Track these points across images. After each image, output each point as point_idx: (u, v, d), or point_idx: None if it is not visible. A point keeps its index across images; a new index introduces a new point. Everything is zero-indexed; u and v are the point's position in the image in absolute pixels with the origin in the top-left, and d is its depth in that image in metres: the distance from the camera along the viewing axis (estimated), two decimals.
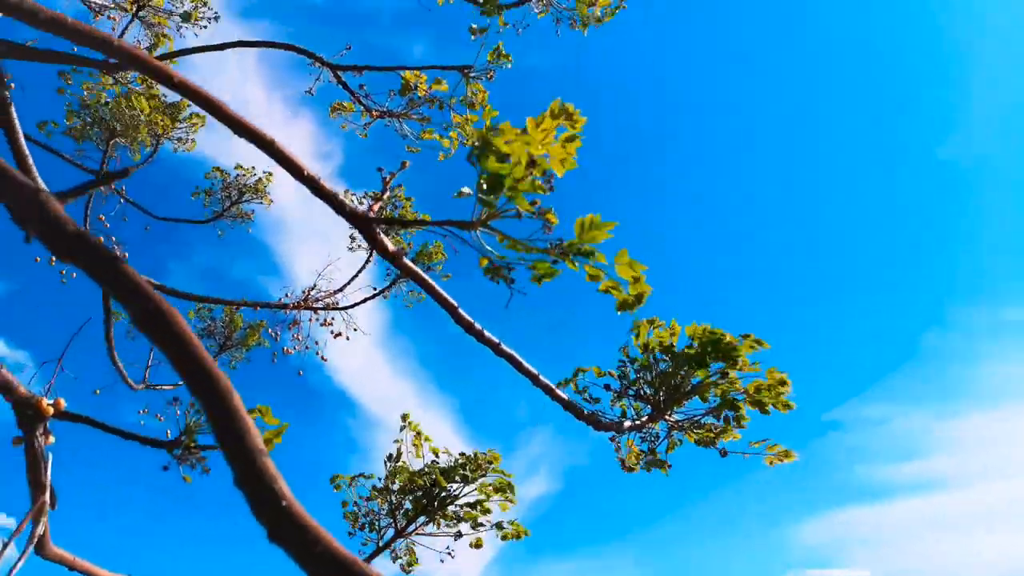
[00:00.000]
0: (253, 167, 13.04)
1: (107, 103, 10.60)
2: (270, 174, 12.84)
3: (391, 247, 4.38)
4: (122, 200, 12.16)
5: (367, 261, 13.88)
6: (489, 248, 4.00)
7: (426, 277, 4.64)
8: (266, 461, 1.52)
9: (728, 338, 4.61)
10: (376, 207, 4.54)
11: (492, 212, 3.77)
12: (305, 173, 4.00)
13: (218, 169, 12.64)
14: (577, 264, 3.55)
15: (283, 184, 13.29)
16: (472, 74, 7.64)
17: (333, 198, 4.13)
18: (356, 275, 13.51)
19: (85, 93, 10.15)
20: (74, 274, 11.67)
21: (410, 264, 4.48)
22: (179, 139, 11.91)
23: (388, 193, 4.73)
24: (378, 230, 4.31)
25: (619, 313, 3.27)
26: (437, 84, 7.91)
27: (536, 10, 7.21)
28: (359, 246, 14.31)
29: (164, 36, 9.66)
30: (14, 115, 6.68)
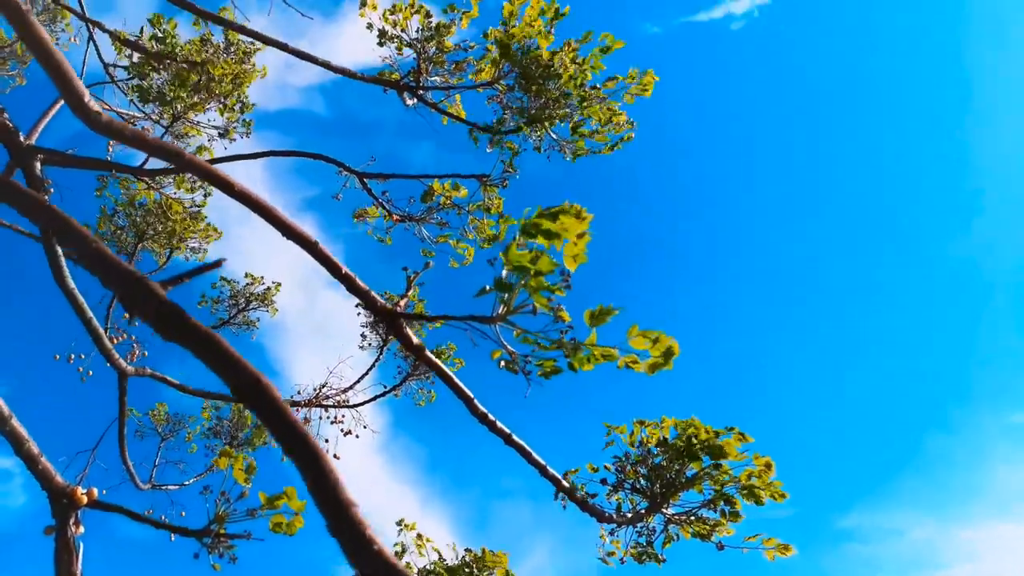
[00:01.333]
0: (262, 276, 13.66)
1: (141, 205, 11.31)
2: (278, 284, 13.44)
3: (415, 341, 4.76)
4: None
5: (378, 358, 14.24)
6: (506, 343, 4.37)
7: (446, 369, 4.99)
8: (356, 511, 1.82)
9: (713, 432, 4.88)
10: (402, 303, 4.95)
11: (510, 308, 4.16)
12: (343, 272, 4.44)
13: (225, 279, 13.21)
14: (589, 360, 3.87)
15: (283, 290, 13.83)
16: (488, 182, 8.24)
17: (366, 295, 4.54)
18: (367, 372, 13.83)
19: (122, 194, 10.86)
20: (91, 372, 12.05)
21: (431, 356, 4.84)
22: (193, 248, 12.58)
23: (412, 291, 5.13)
24: (404, 324, 4.70)
25: (651, 375, 3.49)
26: (456, 191, 8.51)
27: (533, 142, 7.87)
28: (370, 344, 14.71)
29: (205, 148, 10.43)
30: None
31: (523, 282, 4.12)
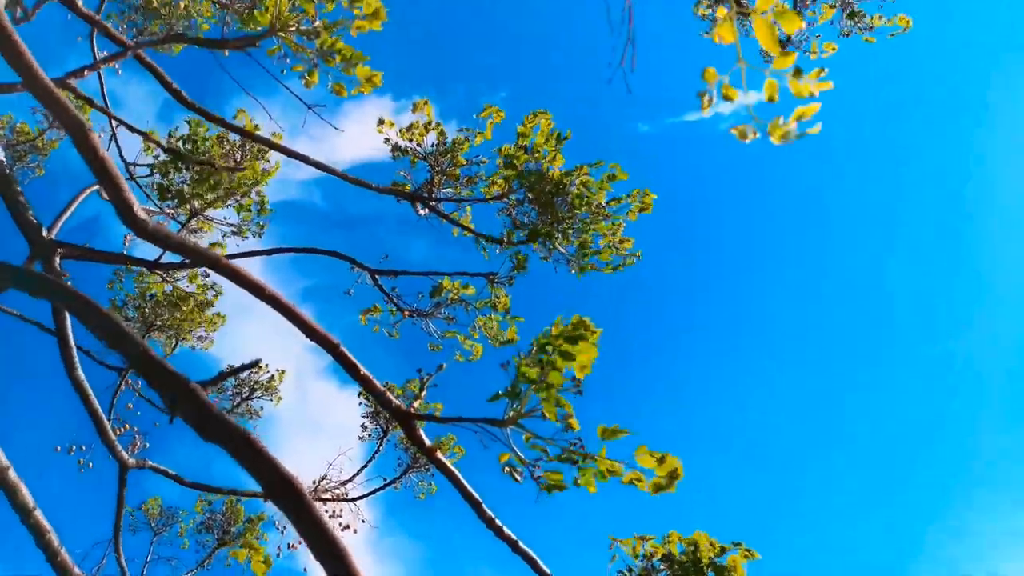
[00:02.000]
0: (267, 364, 13.82)
1: (151, 298, 11.60)
2: (283, 372, 13.57)
3: (428, 442, 4.88)
4: (137, 394, 12.82)
5: (377, 450, 14.19)
6: (516, 448, 4.50)
7: (456, 472, 5.10)
8: None
9: (719, 547, 4.94)
10: (416, 404, 5.11)
11: (521, 412, 4.32)
12: (361, 372, 4.62)
13: (230, 367, 13.34)
14: (595, 477, 3.98)
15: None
16: (496, 281, 8.52)
17: (382, 396, 4.71)
18: (367, 464, 13.77)
19: (136, 287, 11.16)
20: (91, 463, 12.03)
21: (443, 459, 4.96)
22: (200, 337, 12.81)
23: (425, 391, 5.29)
24: (418, 426, 4.84)
25: (654, 495, 3.63)
26: (465, 288, 8.79)
27: (540, 254, 8.23)
28: (369, 436, 14.68)
29: (219, 245, 10.79)
30: (67, 318, 7.48)
31: (534, 388, 4.29)
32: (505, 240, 8.07)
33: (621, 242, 7.87)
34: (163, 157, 10.81)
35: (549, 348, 4.10)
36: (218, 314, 12.86)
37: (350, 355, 4.41)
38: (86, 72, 6.38)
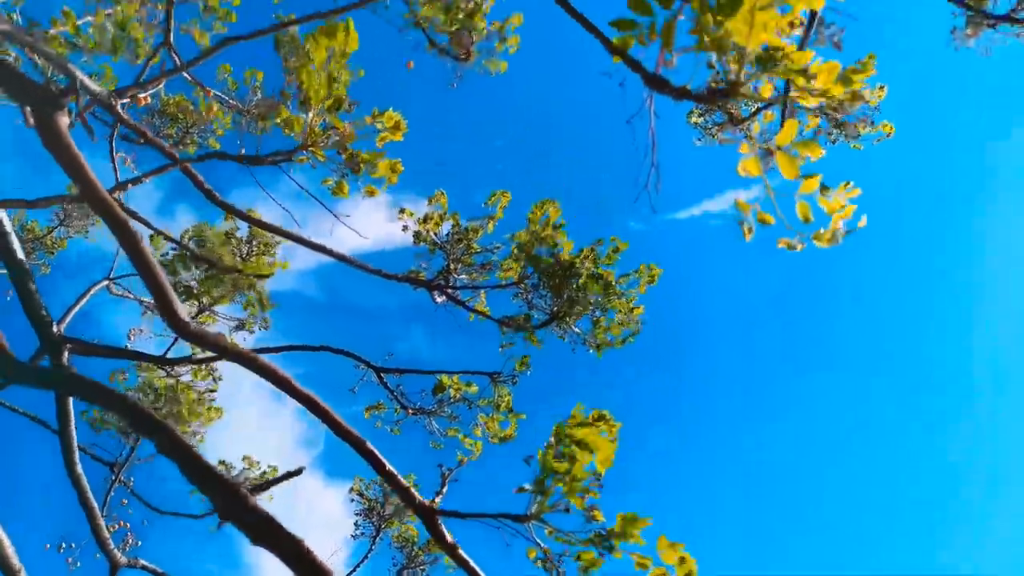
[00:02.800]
0: (258, 461, 13.72)
1: (153, 390, 11.60)
2: (274, 468, 13.47)
3: (450, 539, 4.92)
4: (129, 491, 12.64)
5: (371, 549, 13.91)
6: (540, 541, 4.57)
7: (477, 569, 5.10)
8: None
9: None
10: (437, 500, 5.16)
11: (544, 507, 4.41)
12: (387, 468, 4.71)
13: (223, 463, 13.26)
14: (622, 553, 4.09)
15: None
16: (499, 380, 8.69)
17: (406, 491, 4.78)
18: (361, 562, 13.45)
19: (140, 380, 11.20)
20: (78, 563, 11.77)
21: (464, 555, 4.99)
22: (193, 432, 12.75)
23: (446, 487, 5.36)
24: (440, 521, 4.89)
25: None
26: (467, 386, 8.93)
27: (557, 333, 8.48)
28: (362, 533, 14.41)
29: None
30: (71, 416, 7.54)
31: (558, 481, 4.40)
32: (522, 324, 8.31)
33: (632, 310, 8.20)
34: (171, 252, 11.09)
35: (567, 440, 4.25)
36: (215, 408, 12.85)
37: (377, 452, 4.52)
38: (130, 185, 6.70)
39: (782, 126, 9.96)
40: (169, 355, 10.40)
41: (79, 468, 8.79)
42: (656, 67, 3.20)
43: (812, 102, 2.51)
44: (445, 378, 8.89)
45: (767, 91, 2.85)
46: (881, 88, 11.28)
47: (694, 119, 11.92)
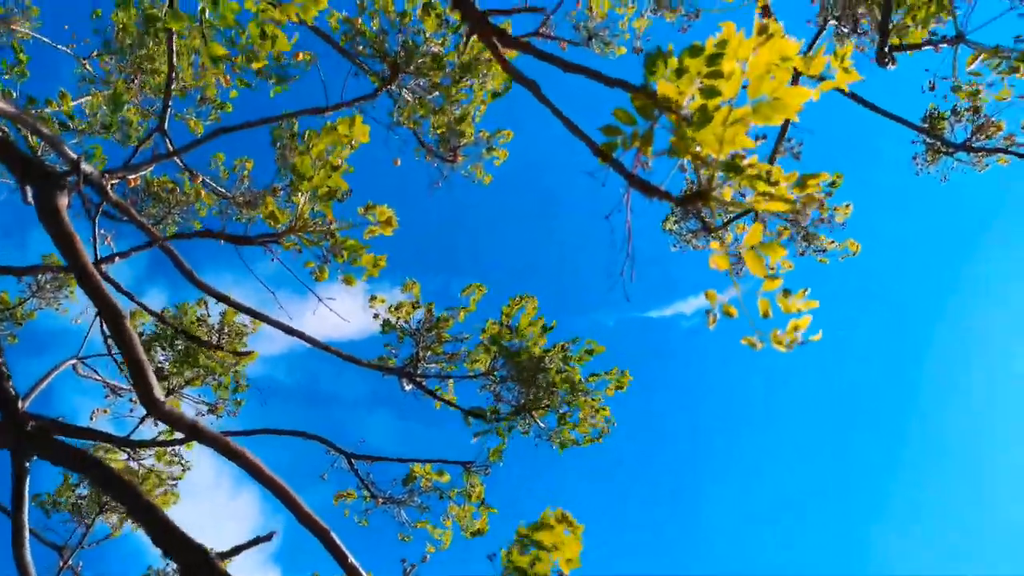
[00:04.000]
0: (213, 548, 13.20)
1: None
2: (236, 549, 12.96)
3: None
4: (75, 575, 12.06)
5: None
6: None
7: None
8: None
9: None
10: None
11: None
12: (348, 561, 4.61)
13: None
14: None
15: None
16: (472, 469, 8.58)
17: None
18: None
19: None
20: None
21: None
22: None
23: None
24: None
25: None
26: (439, 475, 8.79)
27: (521, 428, 8.48)
28: None
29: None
30: (25, 489, 7.31)
31: None
32: (488, 415, 8.29)
33: (598, 411, 8.19)
34: (147, 332, 11.01)
35: (529, 542, 4.24)
36: (172, 493, 12.47)
37: (340, 543, 4.44)
38: (117, 259, 6.77)
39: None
40: (133, 438, 10.16)
41: (27, 552, 8.42)
42: (633, 168, 3.42)
43: (774, 207, 2.71)
44: (417, 467, 8.77)
45: (727, 194, 3.05)
46: (847, 206, 11.83)
47: (669, 226, 12.35)
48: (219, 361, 10.27)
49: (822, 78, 3.41)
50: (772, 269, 10.14)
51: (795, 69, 2.98)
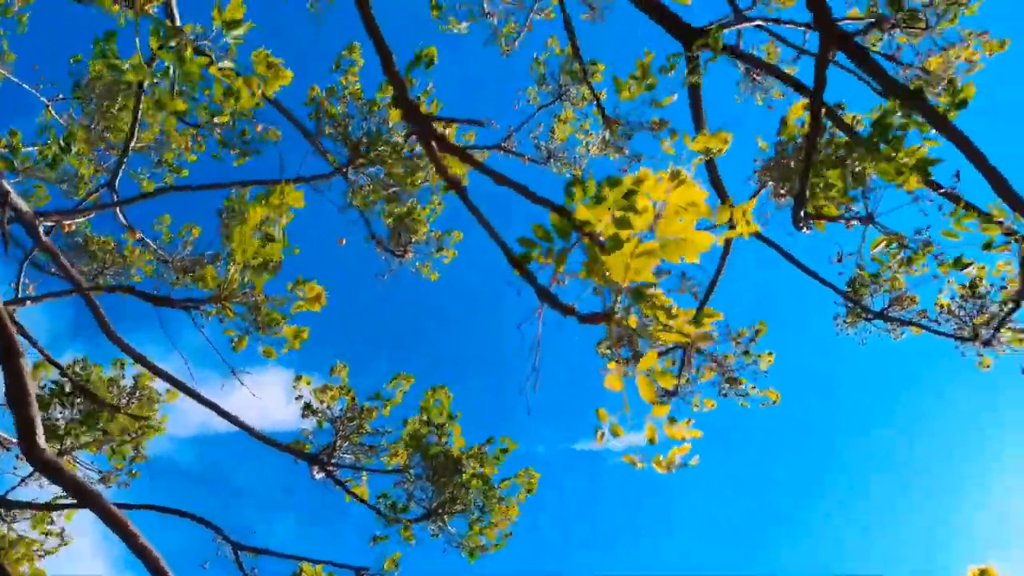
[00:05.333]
0: None
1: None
2: None
3: None
4: None
5: None
6: None
7: None
8: None
9: None
10: None
11: None
12: None
13: None
14: None
15: None
16: None
17: None
18: None
19: None
20: None
21: None
22: None
23: None
24: None
25: None
26: None
27: (431, 530, 8.25)
28: None
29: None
30: None
31: None
32: (396, 517, 8.03)
33: (508, 509, 8.02)
34: (49, 386, 10.50)
35: None
36: (40, 570, 11.54)
37: None
38: (28, 302, 6.57)
39: (682, 368, 10.57)
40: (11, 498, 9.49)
41: None
42: (550, 284, 3.58)
43: (671, 338, 2.86)
44: (307, 566, 8.34)
45: (633, 321, 3.20)
46: (770, 354, 12.32)
47: (602, 350, 12.61)
48: (122, 428, 9.79)
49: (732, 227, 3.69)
50: (697, 407, 10.26)
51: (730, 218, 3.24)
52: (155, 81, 4.36)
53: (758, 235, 8.85)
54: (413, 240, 11.72)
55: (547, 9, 10.06)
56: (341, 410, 8.41)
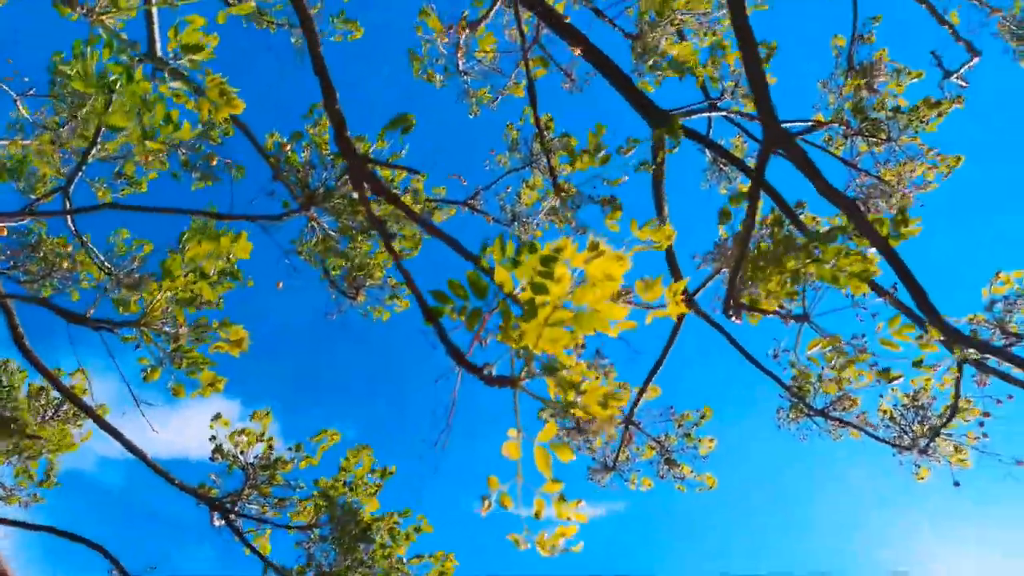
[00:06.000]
0: None
1: None
2: None
3: None
4: None
5: None
6: None
7: None
8: None
9: None
10: None
11: None
12: None
13: None
14: None
15: None
16: None
17: None
18: None
19: None
20: None
21: None
22: None
23: None
24: None
25: None
26: None
27: None
28: None
29: None
30: None
31: None
32: None
33: None
34: None
35: None
36: None
37: None
38: None
39: (622, 444, 10.38)
40: None
41: None
42: (471, 345, 3.50)
43: (579, 412, 2.78)
44: None
45: (571, 394, 3.11)
46: (711, 440, 12.27)
47: (545, 415, 12.46)
48: (21, 444, 9.31)
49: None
50: (634, 485, 9.98)
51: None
52: (106, 93, 4.28)
53: (706, 319, 8.88)
54: (368, 284, 11.57)
55: (520, 84, 10.22)
56: (256, 457, 8.02)
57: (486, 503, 2.65)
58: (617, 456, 12.25)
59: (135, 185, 11.19)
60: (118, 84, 4.04)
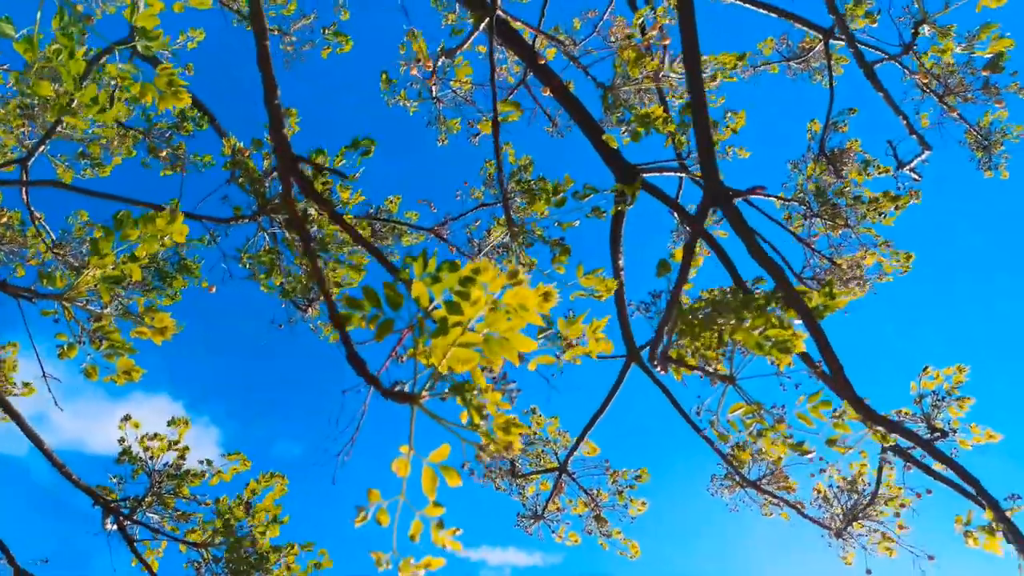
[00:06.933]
0: None
1: None
2: None
3: None
4: None
5: None
6: None
7: None
8: None
9: None
10: None
11: None
12: None
13: None
14: None
15: None
16: None
17: None
18: None
19: None
20: None
21: None
22: None
23: None
24: None
25: None
26: None
27: None
28: None
29: None
30: None
31: None
32: None
33: None
34: None
35: None
36: None
37: None
38: None
39: (553, 492, 10.22)
40: None
41: None
42: (386, 360, 3.44)
43: (486, 441, 2.73)
44: None
45: (476, 417, 3.05)
46: (644, 503, 12.13)
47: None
48: None
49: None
50: (560, 538, 9.76)
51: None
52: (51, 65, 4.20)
53: (648, 372, 8.86)
54: (319, 298, 11.38)
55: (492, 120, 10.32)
56: (165, 465, 7.69)
57: (362, 514, 2.57)
58: (546, 506, 12.06)
59: (98, 167, 11.00)
60: (58, 57, 3.97)
